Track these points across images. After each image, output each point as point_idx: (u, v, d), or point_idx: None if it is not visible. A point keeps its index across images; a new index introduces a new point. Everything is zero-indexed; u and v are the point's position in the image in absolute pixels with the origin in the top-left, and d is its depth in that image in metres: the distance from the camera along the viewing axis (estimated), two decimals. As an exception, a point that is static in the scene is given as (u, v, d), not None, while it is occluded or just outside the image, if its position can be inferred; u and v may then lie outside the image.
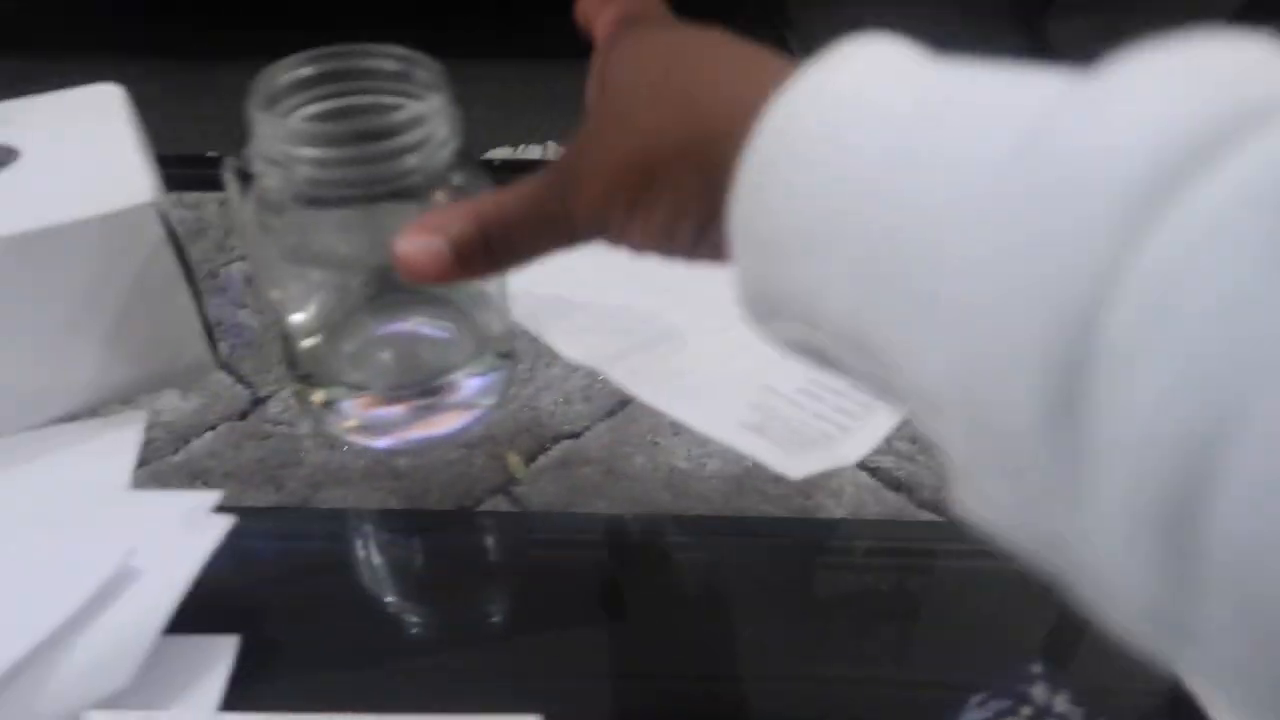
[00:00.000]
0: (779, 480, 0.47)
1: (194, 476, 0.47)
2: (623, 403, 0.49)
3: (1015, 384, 0.16)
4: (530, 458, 0.48)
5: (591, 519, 0.45)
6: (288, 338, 0.46)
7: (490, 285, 0.45)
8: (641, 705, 0.39)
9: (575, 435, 0.49)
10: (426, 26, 1.71)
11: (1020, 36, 1.80)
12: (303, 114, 0.40)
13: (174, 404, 0.51)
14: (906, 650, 0.40)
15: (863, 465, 0.48)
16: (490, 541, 0.46)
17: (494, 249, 0.29)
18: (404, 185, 0.38)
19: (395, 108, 0.39)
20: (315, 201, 0.39)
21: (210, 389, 0.53)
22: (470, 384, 0.46)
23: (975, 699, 0.35)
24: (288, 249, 0.41)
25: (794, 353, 0.23)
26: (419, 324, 0.48)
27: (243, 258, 0.63)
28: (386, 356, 0.46)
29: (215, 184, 0.72)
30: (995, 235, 0.17)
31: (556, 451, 0.48)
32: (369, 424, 0.46)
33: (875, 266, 0.19)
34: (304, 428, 0.50)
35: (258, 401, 0.52)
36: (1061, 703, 0.35)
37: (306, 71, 0.40)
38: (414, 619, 0.43)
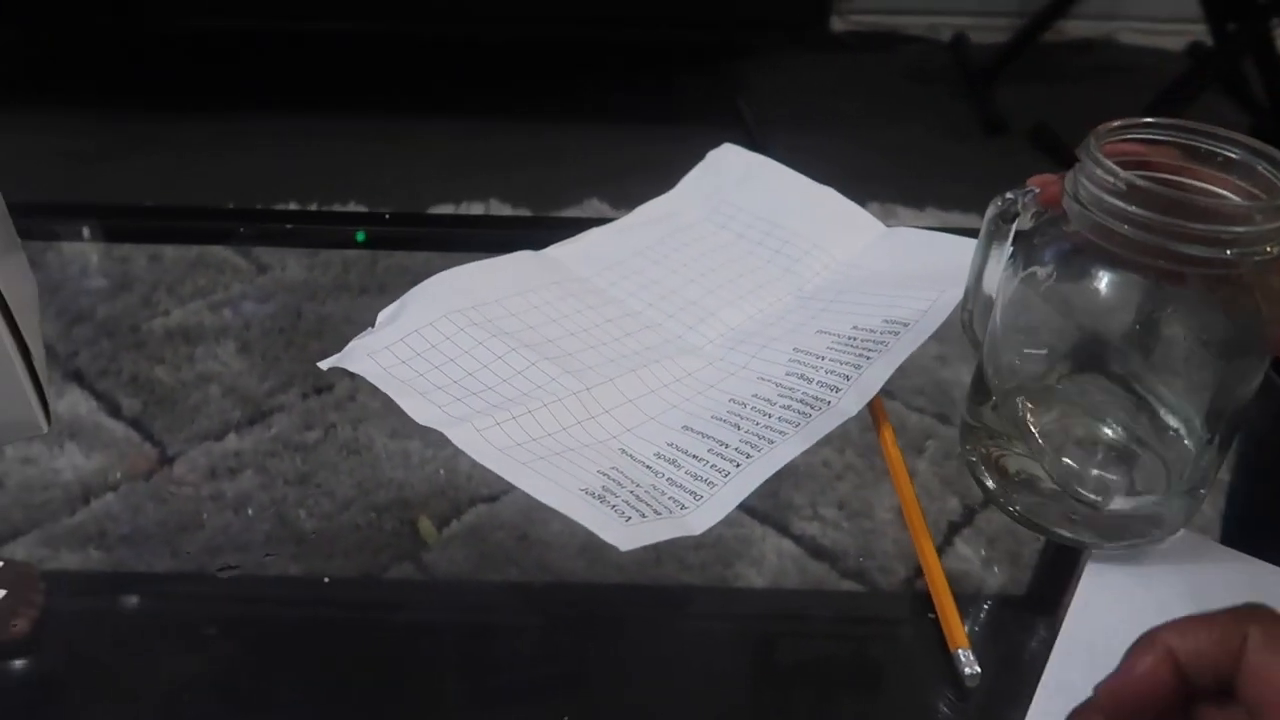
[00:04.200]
0: (700, 548, 0.45)
1: (88, 540, 0.45)
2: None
3: None
4: (443, 523, 0.46)
5: (499, 588, 0.44)
6: (995, 389, 0.43)
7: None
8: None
9: (491, 499, 0.47)
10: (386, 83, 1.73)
11: (969, 104, 1.83)
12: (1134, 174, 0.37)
13: (76, 462, 0.49)
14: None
15: (787, 532, 0.46)
16: (392, 611, 0.44)
17: None
18: (1210, 274, 0.36)
19: (1226, 195, 0.37)
20: (1111, 258, 0.37)
21: (116, 447, 0.51)
22: (1133, 503, 0.41)
23: None
24: (1058, 297, 0.39)
25: None
26: (1113, 421, 0.44)
27: (166, 313, 0.61)
28: (1070, 446, 0.43)
29: (150, 236, 0.72)
30: None
31: (470, 516, 0.47)
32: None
33: None
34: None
35: (165, 461, 0.50)
36: None
37: (1143, 135, 0.39)
38: (310, 694, 0.41)
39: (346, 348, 0.45)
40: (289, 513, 0.47)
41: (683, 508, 0.39)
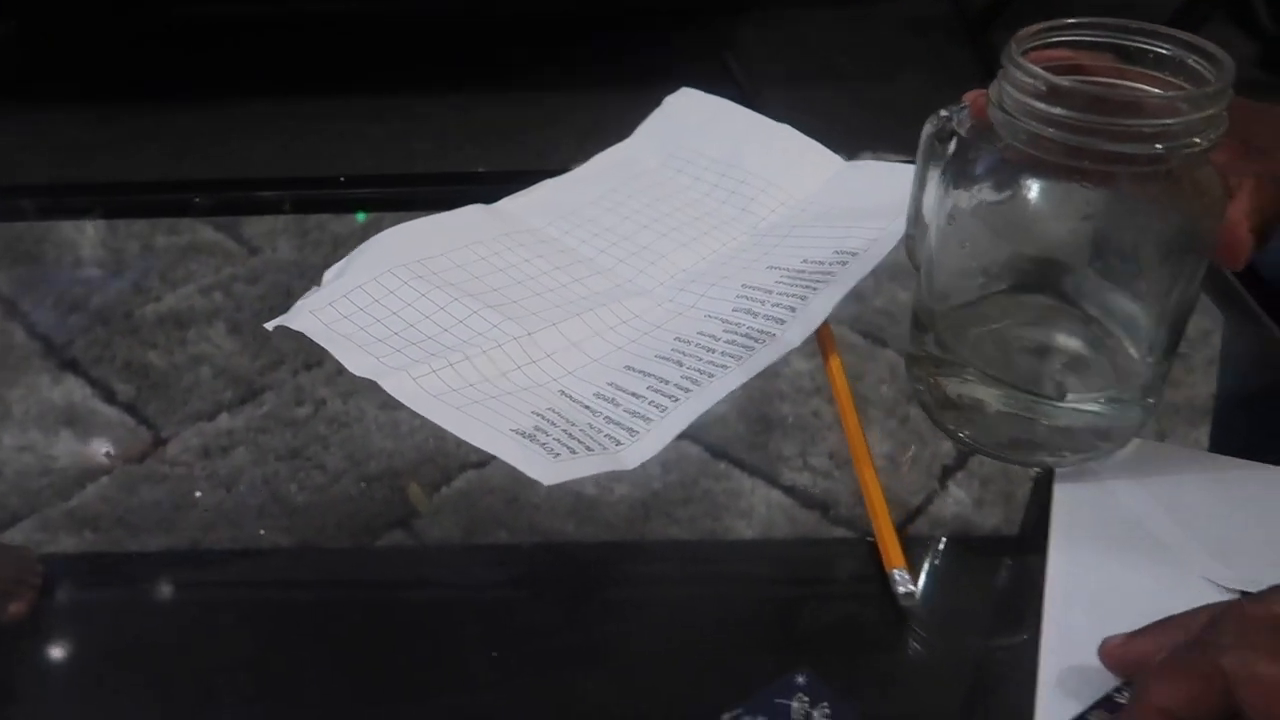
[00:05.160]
0: (689, 502, 0.45)
1: (84, 524, 0.46)
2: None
3: None
4: (433, 489, 0.46)
5: (490, 551, 0.44)
6: (935, 313, 0.42)
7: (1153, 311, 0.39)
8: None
9: (480, 465, 0.47)
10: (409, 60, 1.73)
11: (969, 50, 1.80)
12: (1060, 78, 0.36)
13: (71, 448, 0.50)
14: (680, 664, 0.38)
15: (776, 483, 0.46)
16: (386, 577, 0.44)
17: None
18: (1140, 171, 0.35)
19: (1155, 89, 0.37)
20: (1039, 166, 0.36)
21: (111, 432, 0.51)
22: (1086, 417, 0.41)
23: (728, 714, 0.33)
24: (991, 213, 0.38)
25: None
26: (1056, 333, 0.43)
27: (158, 298, 0.61)
28: (1016, 357, 0.42)
29: (148, 210, 0.72)
30: None
31: (460, 482, 0.47)
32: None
33: None
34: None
35: (159, 443, 0.50)
36: (819, 716, 0.33)
37: (1069, 37, 0.38)
38: (303, 664, 0.41)
39: (292, 308, 0.45)
40: (281, 487, 0.47)
41: (618, 444, 0.39)
